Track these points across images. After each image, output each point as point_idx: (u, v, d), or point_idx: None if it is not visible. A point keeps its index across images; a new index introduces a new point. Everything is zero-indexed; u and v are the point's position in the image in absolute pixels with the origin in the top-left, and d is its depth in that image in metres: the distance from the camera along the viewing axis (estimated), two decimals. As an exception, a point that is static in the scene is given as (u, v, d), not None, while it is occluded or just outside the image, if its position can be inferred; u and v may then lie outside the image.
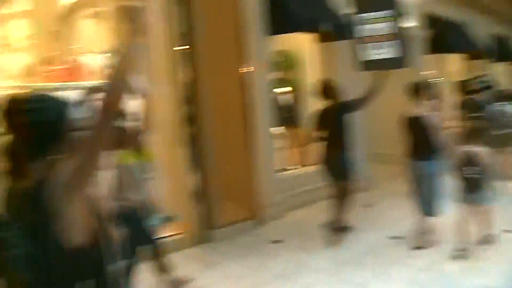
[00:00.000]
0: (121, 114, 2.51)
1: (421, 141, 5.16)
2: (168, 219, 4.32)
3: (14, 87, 5.46)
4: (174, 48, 5.65)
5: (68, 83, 4.94)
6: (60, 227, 1.59)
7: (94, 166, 1.62)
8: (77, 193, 1.61)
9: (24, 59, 5.65)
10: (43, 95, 1.79)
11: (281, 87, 7.86)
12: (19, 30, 6.28)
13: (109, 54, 5.64)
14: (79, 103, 1.84)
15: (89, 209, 1.66)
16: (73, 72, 5.31)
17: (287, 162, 7.75)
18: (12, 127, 1.70)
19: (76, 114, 1.74)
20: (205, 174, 5.86)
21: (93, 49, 5.80)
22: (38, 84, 4.84)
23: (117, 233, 1.81)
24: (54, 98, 1.77)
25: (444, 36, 10.85)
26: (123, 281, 1.88)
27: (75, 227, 1.62)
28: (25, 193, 1.63)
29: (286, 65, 8.17)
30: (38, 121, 1.67)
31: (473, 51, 12.44)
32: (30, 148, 1.68)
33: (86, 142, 1.62)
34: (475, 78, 9.05)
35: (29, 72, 5.33)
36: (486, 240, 5.12)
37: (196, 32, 5.76)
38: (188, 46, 5.72)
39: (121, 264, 1.82)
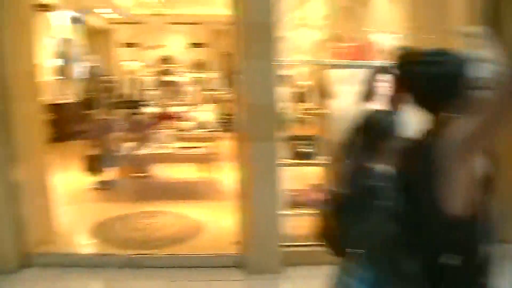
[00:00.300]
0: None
1: None
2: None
3: (304, 61, 5.69)
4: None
5: (355, 61, 4.81)
6: (441, 189, 1.47)
7: (493, 133, 1.39)
8: (468, 159, 1.45)
9: (315, 36, 5.81)
10: (443, 48, 1.68)
11: None
12: (316, 11, 6.58)
13: (401, 36, 5.33)
14: (483, 61, 1.63)
15: (474, 179, 1.48)
16: (362, 50, 5.15)
17: None
18: (406, 80, 1.65)
19: (479, 72, 1.57)
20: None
21: (385, 29, 5.59)
22: (326, 60, 4.82)
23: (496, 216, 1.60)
24: (454, 53, 1.65)
25: None
26: (491, 269, 1.60)
27: (457, 194, 1.47)
28: (414, 146, 1.57)
29: None
30: (437, 74, 1.58)
31: None
32: (425, 101, 1.61)
33: (491, 106, 1.35)
34: None
35: (319, 48, 5.42)
36: None
37: (502, 11, 4.94)
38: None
39: (492, 250, 1.60)
